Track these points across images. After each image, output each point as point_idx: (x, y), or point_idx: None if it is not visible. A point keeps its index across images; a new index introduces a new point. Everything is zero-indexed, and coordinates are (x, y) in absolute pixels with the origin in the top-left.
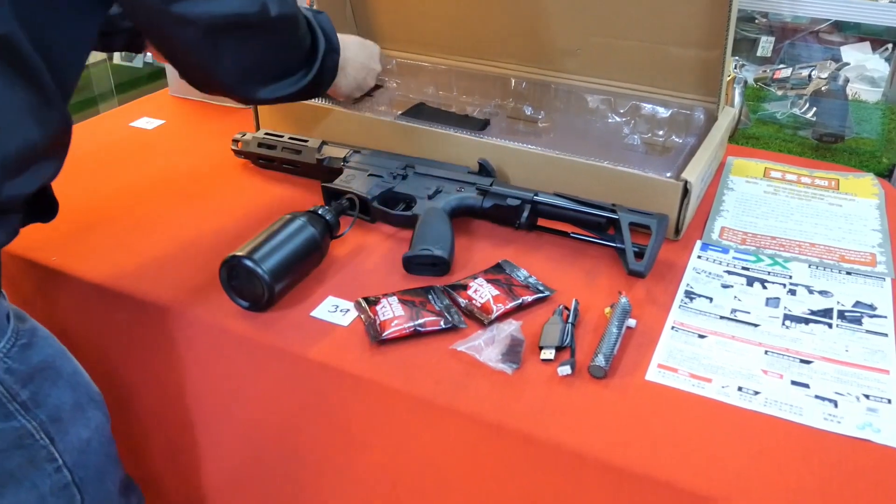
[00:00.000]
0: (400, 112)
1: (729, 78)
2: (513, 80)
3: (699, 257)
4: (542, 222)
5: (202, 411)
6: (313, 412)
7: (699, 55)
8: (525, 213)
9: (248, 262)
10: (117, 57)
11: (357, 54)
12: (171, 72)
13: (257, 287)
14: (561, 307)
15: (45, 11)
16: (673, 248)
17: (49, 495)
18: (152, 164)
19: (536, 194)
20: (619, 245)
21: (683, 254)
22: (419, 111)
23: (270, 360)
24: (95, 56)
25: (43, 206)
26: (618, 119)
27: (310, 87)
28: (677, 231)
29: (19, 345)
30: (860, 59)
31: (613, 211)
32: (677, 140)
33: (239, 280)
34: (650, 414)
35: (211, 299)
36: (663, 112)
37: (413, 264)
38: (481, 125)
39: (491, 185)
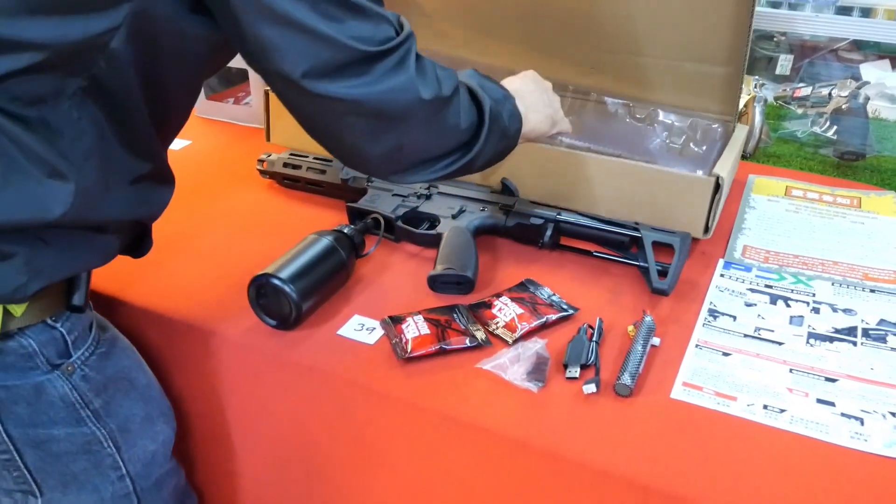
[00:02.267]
0: None
1: (749, 97)
2: None
3: (722, 276)
4: (565, 241)
5: (228, 428)
6: (339, 429)
7: (715, 71)
8: (548, 232)
9: (277, 281)
10: None
11: (535, 104)
12: None
13: (285, 305)
14: (585, 325)
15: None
16: (695, 267)
17: (109, 500)
18: (180, 183)
19: (560, 213)
20: (642, 264)
21: (706, 272)
22: None
23: (297, 377)
24: None
25: (139, 241)
26: (637, 124)
27: (469, 165)
28: (707, 229)
29: (98, 353)
30: (880, 76)
31: (636, 229)
32: (695, 148)
33: (267, 298)
34: (675, 432)
35: (239, 317)
36: (682, 121)
37: (438, 283)
38: None
39: (514, 204)
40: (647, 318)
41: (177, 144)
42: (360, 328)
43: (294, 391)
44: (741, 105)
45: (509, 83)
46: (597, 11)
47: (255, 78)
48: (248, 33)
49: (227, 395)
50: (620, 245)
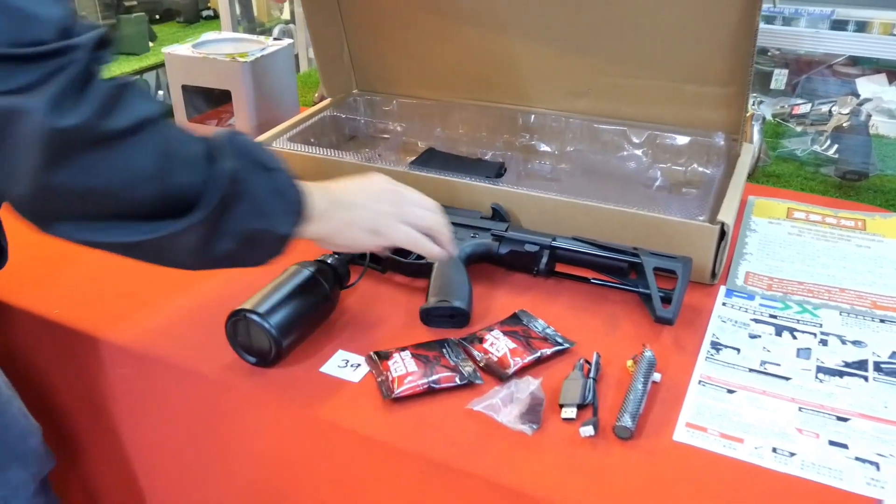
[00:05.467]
0: (410, 160)
1: (748, 115)
2: (520, 117)
3: (724, 304)
4: (560, 268)
5: (204, 467)
6: (320, 472)
7: (716, 92)
8: (543, 259)
9: (255, 317)
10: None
11: (353, 202)
12: (178, 112)
13: (264, 342)
14: (581, 361)
15: None
16: (695, 295)
17: None
18: None
19: (554, 239)
20: (642, 290)
21: (707, 301)
22: (430, 158)
23: (277, 416)
24: None
25: None
26: (635, 151)
27: (183, 237)
28: (714, 275)
29: None
30: (876, 91)
31: (636, 255)
32: (700, 169)
33: (245, 335)
34: (679, 478)
35: (216, 354)
36: (681, 140)
37: (432, 317)
38: (497, 170)
39: (506, 230)
40: (648, 353)
41: None
42: (345, 364)
43: (273, 430)
44: None
45: (331, 182)
46: (591, 35)
47: (238, 98)
48: None
49: (201, 434)
50: (619, 271)
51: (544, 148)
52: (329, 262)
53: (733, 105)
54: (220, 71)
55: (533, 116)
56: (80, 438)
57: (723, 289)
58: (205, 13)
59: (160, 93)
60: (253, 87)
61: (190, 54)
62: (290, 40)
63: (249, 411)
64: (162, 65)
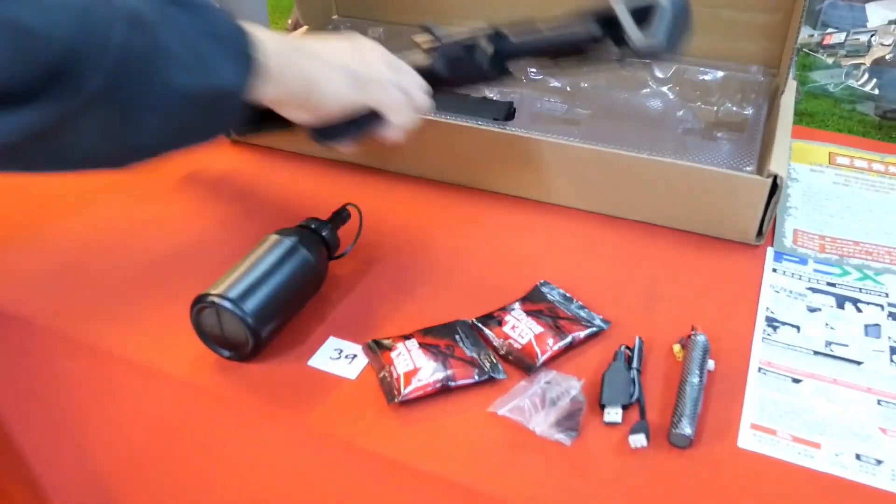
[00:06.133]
0: None
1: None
2: None
3: (774, 270)
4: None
5: (173, 482)
6: (313, 491)
7: (757, 19)
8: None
9: (225, 303)
10: None
11: (329, 53)
12: None
13: (239, 332)
14: (623, 348)
15: None
16: (739, 257)
17: None
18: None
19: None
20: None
21: (752, 265)
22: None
23: (258, 423)
24: None
25: None
26: (660, 88)
27: (72, 117)
28: (760, 234)
29: None
30: (886, 16)
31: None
32: (734, 109)
33: (215, 324)
34: (748, 495)
35: (181, 346)
36: (714, 75)
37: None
38: (506, 110)
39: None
40: (700, 338)
41: None
42: (338, 356)
43: (254, 441)
44: None
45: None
46: None
47: None
48: None
49: (170, 443)
50: (584, 44)
51: (555, 84)
52: (313, 226)
53: (776, 35)
54: None
55: None
56: (26, 437)
57: (770, 251)
58: None
59: None
60: None
61: None
62: None
63: (224, 416)
64: None
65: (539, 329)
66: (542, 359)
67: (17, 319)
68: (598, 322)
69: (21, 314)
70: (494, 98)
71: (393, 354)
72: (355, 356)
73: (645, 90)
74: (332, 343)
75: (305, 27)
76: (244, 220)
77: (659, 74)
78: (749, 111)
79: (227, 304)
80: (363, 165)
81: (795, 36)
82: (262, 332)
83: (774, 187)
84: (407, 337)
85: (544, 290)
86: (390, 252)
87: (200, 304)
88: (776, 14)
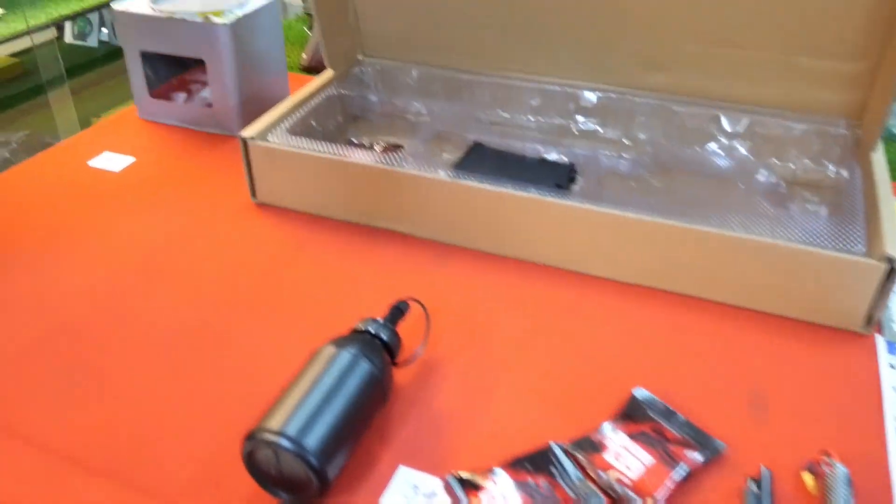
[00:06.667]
0: (449, 155)
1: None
2: (576, 95)
3: (893, 366)
4: None
5: None
6: None
7: (840, 68)
8: None
9: (284, 442)
10: (68, 34)
11: None
12: (137, 83)
13: (300, 473)
14: (750, 485)
15: None
16: (848, 349)
17: None
18: (119, 230)
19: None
20: None
21: (865, 358)
22: (479, 157)
23: None
24: (43, 35)
25: None
26: (730, 142)
27: None
28: (869, 322)
29: None
30: None
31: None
32: (815, 167)
33: (272, 464)
34: None
35: (231, 486)
36: (790, 129)
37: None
38: (566, 174)
39: None
40: (841, 471)
41: (115, 163)
42: (414, 492)
43: None
44: None
45: None
46: None
47: (215, 68)
48: None
49: None
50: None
51: (609, 135)
52: (372, 330)
53: (859, 84)
54: (191, 35)
55: (593, 95)
56: None
57: (881, 340)
58: None
59: (104, 30)
60: (234, 54)
61: (150, 13)
62: None
63: None
64: (106, 4)
65: (649, 458)
66: (661, 498)
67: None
68: (712, 444)
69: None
70: (551, 157)
71: (483, 497)
72: (434, 494)
73: (711, 143)
74: (405, 475)
75: (331, 72)
76: (277, 305)
77: (728, 127)
78: (831, 169)
79: (285, 444)
80: (408, 235)
81: (891, 88)
82: (329, 472)
83: (891, 272)
84: (495, 471)
85: (642, 400)
86: (454, 349)
87: (252, 441)
88: (860, 62)
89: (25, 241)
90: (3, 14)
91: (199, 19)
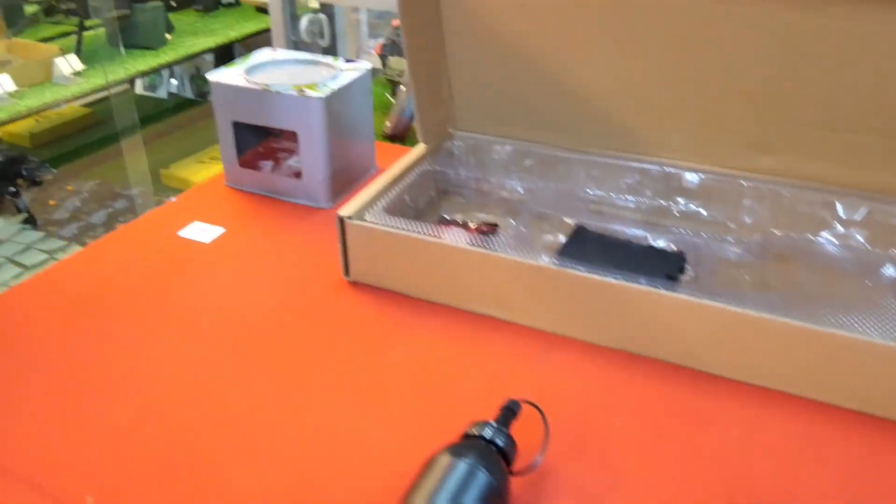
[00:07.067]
0: (555, 243)
1: None
2: (676, 176)
3: None
4: None
5: None
6: None
7: None
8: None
9: None
10: (139, 85)
11: None
12: (227, 152)
13: None
14: None
15: None
16: None
17: None
18: (211, 305)
19: None
20: None
21: None
22: (582, 243)
23: None
24: (118, 86)
25: None
26: (847, 231)
27: None
28: None
29: None
30: None
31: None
32: None
33: None
34: None
35: None
36: None
37: None
38: (678, 265)
39: None
40: None
41: (204, 233)
42: None
43: None
44: None
45: None
46: (784, 65)
47: (309, 140)
48: None
49: None
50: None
51: (711, 217)
52: (487, 436)
53: None
54: (285, 108)
55: (695, 175)
56: None
57: None
58: (224, 0)
59: (173, 82)
60: (326, 126)
61: (245, 85)
62: (369, 65)
63: None
64: (181, 61)
65: None
66: None
67: None
68: None
69: None
70: (658, 244)
71: None
72: None
73: (825, 231)
74: None
75: (423, 147)
76: (377, 393)
77: (843, 214)
78: None
79: None
80: (509, 321)
81: None
82: None
83: None
84: None
85: None
86: (567, 454)
87: None
88: None
89: (116, 317)
90: (84, 70)
91: (293, 92)
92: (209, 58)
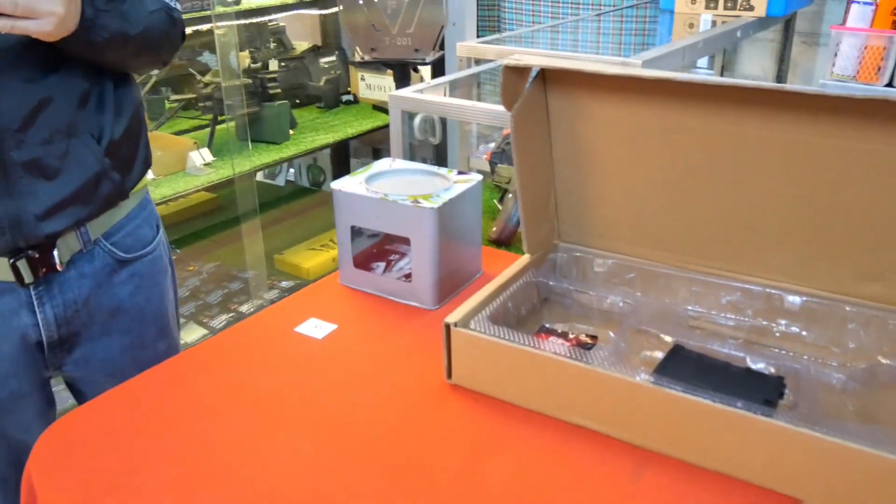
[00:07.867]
0: (652, 360)
1: None
2: (778, 298)
3: None
4: None
5: None
6: None
7: None
8: None
9: None
10: (260, 174)
11: None
12: (343, 254)
13: None
14: None
15: None
16: None
17: None
18: (322, 401)
19: None
20: None
21: None
22: (679, 362)
23: None
24: (240, 171)
25: None
26: None
27: None
28: None
29: None
30: None
31: None
32: None
33: None
34: None
35: None
36: None
37: None
38: (777, 390)
39: None
40: None
41: (318, 330)
42: None
43: None
44: None
45: None
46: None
47: (420, 247)
48: None
49: None
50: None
51: (813, 340)
52: None
53: None
54: (401, 216)
55: (797, 298)
56: None
57: None
58: (345, 98)
59: (291, 170)
60: (437, 234)
61: (365, 194)
62: (479, 177)
63: None
64: (301, 155)
65: None
66: None
67: None
68: None
69: None
70: (757, 366)
71: None
72: None
73: None
74: None
75: (528, 258)
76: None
77: None
78: None
79: None
80: (604, 434)
81: None
82: None
83: None
84: None
85: None
86: None
87: None
88: None
89: (233, 411)
90: (213, 161)
91: (409, 202)
92: (326, 150)
